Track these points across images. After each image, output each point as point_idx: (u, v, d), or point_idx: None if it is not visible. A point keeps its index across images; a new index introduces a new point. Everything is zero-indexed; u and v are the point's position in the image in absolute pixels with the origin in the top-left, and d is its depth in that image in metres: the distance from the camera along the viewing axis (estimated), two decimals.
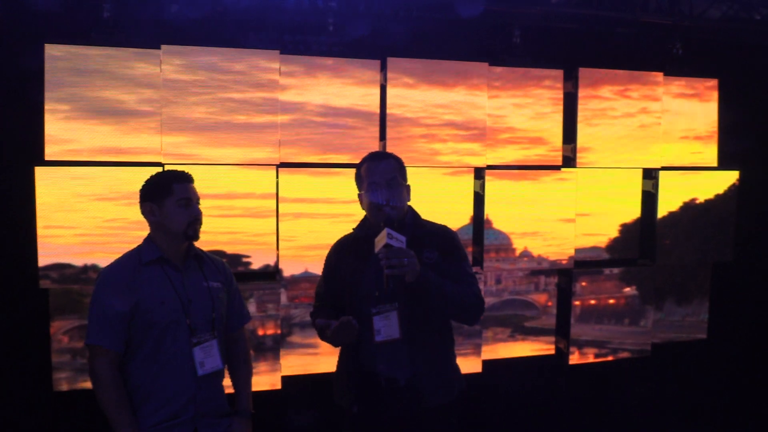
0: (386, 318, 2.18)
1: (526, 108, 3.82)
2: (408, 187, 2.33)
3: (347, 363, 2.31)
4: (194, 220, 2.20)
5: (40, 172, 3.06)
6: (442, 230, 2.36)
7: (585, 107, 3.90)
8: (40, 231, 3.07)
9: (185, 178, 2.23)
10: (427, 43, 3.69)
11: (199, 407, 2.18)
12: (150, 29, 3.22)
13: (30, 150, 3.09)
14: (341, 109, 3.50)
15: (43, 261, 3.09)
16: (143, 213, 2.23)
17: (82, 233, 3.13)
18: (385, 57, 3.54)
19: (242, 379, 2.37)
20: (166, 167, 3.20)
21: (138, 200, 2.24)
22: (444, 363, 2.33)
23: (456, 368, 2.38)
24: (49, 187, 3.07)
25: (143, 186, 2.24)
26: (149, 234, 2.25)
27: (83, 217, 3.13)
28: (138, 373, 2.14)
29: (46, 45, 3.07)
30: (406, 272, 2.04)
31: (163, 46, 3.20)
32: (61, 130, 3.10)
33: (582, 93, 3.88)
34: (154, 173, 2.28)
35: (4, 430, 3.16)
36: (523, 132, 3.82)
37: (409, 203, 2.35)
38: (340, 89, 3.49)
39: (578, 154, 3.90)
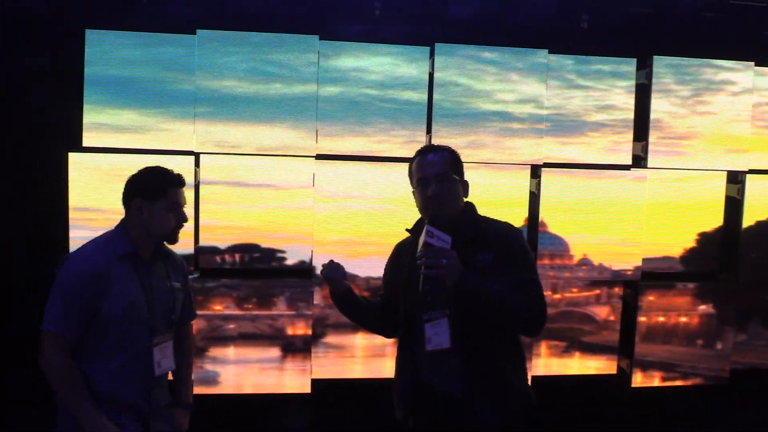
0: (437, 325, 2.01)
1: (594, 101, 3.47)
2: (465, 182, 2.14)
3: (403, 374, 2.16)
4: (180, 226, 2.17)
5: (73, 157, 3.08)
6: (503, 229, 2.11)
7: (660, 101, 3.49)
8: (72, 214, 3.08)
9: (180, 183, 2.18)
10: (480, 28, 3.41)
11: (152, 405, 2.17)
12: (186, 15, 3.17)
13: (68, 136, 3.10)
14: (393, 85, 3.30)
15: (74, 245, 3.06)
16: (129, 204, 2.15)
17: (112, 218, 3.09)
18: (433, 43, 3.30)
19: (185, 372, 2.40)
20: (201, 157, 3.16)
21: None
22: (503, 378, 2.06)
23: (518, 385, 2.10)
24: (81, 171, 3.08)
25: (136, 179, 2.17)
26: (123, 222, 2.18)
27: (114, 199, 3.09)
28: (93, 367, 2.06)
29: (86, 30, 3.09)
30: (443, 274, 1.87)
31: (198, 31, 3.13)
32: (95, 110, 3.11)
33: (656, 86, 3.48)
34: (150, 168, 2.20)
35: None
36: (593, 124, 3.48)
37: (468, 200, 2.15)
38: (383, 78, 3.28)
39: (650, 155, 3.51)
